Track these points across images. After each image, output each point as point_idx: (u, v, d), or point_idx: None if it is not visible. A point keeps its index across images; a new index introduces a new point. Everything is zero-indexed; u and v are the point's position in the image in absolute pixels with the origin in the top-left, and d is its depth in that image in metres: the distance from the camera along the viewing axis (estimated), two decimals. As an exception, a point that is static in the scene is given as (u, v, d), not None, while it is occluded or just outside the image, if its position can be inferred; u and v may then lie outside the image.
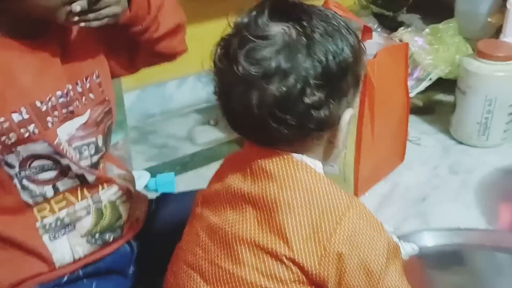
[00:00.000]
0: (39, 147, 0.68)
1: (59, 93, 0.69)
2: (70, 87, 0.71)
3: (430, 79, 1.38)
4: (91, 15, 0.65)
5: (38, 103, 0.67)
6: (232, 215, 0.57)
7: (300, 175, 0.56)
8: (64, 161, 0.70)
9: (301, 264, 0.53)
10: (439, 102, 1.59)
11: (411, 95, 1.29)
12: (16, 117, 0.65)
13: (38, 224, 0.71)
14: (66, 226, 0.73)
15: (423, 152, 1.29)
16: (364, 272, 0.54)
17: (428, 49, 1.39)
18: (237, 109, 0.55)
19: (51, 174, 0.70)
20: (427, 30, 1.45)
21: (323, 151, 0.59)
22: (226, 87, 0.55)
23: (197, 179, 1.21)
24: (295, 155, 0.57)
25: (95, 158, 0.75)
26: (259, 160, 0.57)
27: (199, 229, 0.61)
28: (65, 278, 0.73)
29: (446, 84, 1.42)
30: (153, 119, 1.52)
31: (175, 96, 1.59)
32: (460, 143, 1.31)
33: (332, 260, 0.53)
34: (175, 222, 0.73)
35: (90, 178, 0.74)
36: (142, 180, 1.18)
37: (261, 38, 0.53)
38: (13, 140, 0.66)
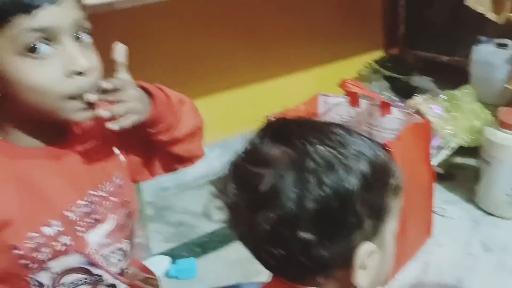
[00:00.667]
0: (72, 260, 0.65)
1: (82, 202, 0.67)
2: (93, 193, 0.68)
3: (451, 148, 1.35)
4: (116, 109, 0.62)
5: (66, 213, 0.64)
6: None
7: None
8: (96, 271, 0.67)
9: None
10: (459, 167, 1.56)
11: (432, 163, 1.26)
12: (47, 230, 0.62)
13: None
14: None
15: (450, 224, 1.24)
16: None
17: (446, 117, 1.37)
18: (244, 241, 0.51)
19: (85, 286, 0.67)
20: (443, 96, 1.44)
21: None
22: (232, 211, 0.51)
23: (217, 261, 1.16)
24: None
25: (123, 264, 0.72)
26: None
27: None
28: None
29: (465, 149, 1.40)
30: (167, 193, 1.49)
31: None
32: (488, 213, 1.27)
33: None
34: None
35: (122, 286, 0.71)
36: (162, 266, 1.14)
37: (259, 162, 0.47)
38: (45, 255, 0.62)
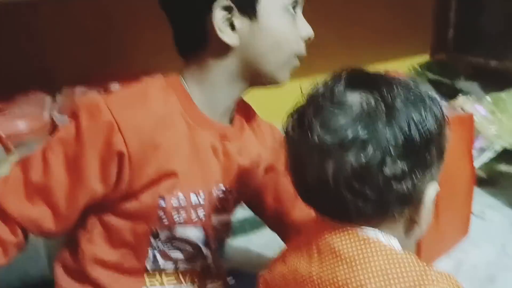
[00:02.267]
0: (194, 233, 0.68)
1: (224, 187, 0.70)
2: (235, 184, 0.72)
3: (495, 150, 1.31)
4: None
5: (213, 191, 0.68)
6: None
7: (373, 255, 0.51)
8: (206, 252, 0.71)
9: None
10: (503, 173, 1.50)
11: (475, 165, 1.22)
12: (194, 198, 0.66)
13: None
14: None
15: (488, 227, 1.20)
16: None
17: (491, 118, 1.33)
18: (310, 181, 0.52)
19: (185, 255, 0.70)
20: (488, 98, 1.40)
21: (403, 229, 0.54)
22: (299, 158, 0.53)
23: (247, 246, 1.17)
24: (368, 230, 0.52)
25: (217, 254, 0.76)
26: (327, 237, 0.53)
27: None
28: None
29: (509, 154, 1.35)
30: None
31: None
32: (530, 219, 1.22)
33: None
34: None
35: (213, 270, 0.75)
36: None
37: (338, 106, 0.50)
38: (180, 218, 0.66)
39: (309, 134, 0.50)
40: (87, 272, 0.67)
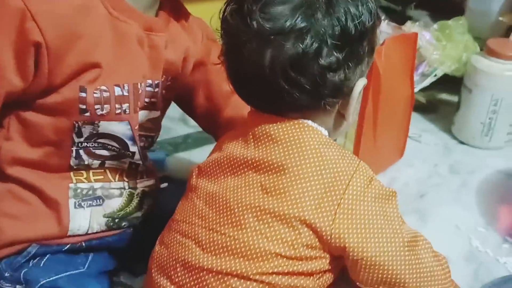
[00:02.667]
0: (120, 128, 0.66)
1: (152, 82, 0.69)
2: (163, 78, 0.70)
3: (435, 75, 1.34)
4: None
5: (139, 85, 0.66)
6: (234, 182, 0.55)
7: (308, 138, 0.53)
8: (133, 148, 0.69)
9: (314, 225, 0.50)
10: (442, 101, 1.55)
11: (415, 90, 1.25)
12: (118, 90, 0.64)
13: (71, 185, 0.68)
14: (96, 199, 0.70)
15: (423, 149, 1.25)
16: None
17: (436, 44, 1.34)
18: (247, 69, 0.52)
19: (110, 153, 0.69)
20: (435, 26, 1.41)
21: (332, 123, 0.56)
22: (237, 45, 0.52)
23: (189, 160, 1.17)
24: (302, 120, 0.54)
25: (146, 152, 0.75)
26: (262, 125, 0.54)
27: (195, 199, 0.58)
28: (67, 247, 0.71)
29: (451, 84, 1.39)
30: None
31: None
32: (462, 143, 1.27)
33: (345, 216, 0.51)
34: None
35: (141, 168, 0.73)
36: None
37: None
38: (104, 112, 0.63)
39: (248, 21, 0.50)
40: (6, 173, 0.65)
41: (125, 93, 0.64)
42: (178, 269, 0.54)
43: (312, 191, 0.51)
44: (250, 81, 0.53)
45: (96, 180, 0.70)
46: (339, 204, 0.51)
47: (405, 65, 1.08)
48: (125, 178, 0.72)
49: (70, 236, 0.70)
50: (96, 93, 0.62)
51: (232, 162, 0.56)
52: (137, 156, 0.71)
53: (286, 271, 0.51)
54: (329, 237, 0.51)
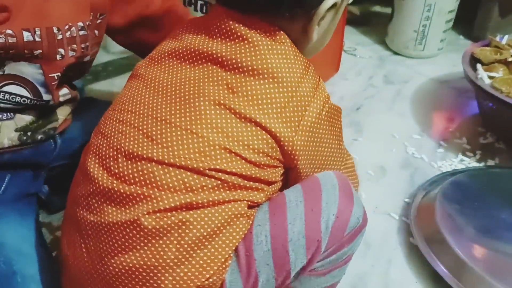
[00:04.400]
0: (31, 71, 0.59)
1: (80, 24, 0.61)
2: (91, 17, 0.63)
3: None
4: None
5: (55, 29, 0.59)
6: (195, 73, 0.50)
7: (280, 47, 0.50)
8: (47, 97, 0.62)
9: (276, 132, 0.48)
10: (376, 14, 1.52)
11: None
12: (26, 36, 0.57)
13: None
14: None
15: (358, 62, 1.22)
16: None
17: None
18: None
19: (19, 100, 0.61)
20: None
21: (296, 40, 0.52)
22: None
23: (110, 89, 1.07)
24: (276, 27, 0.51)
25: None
26: (231, 22, 0.50)
27: (143, 88, 0.52)
28: None
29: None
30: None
31: None
32: (396, 53, 1.25)
33: (306, 132, 0.50)
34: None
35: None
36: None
37: None
38: (8, 56, 0.57)
39: None
40: None
41: (37, 39, 0.57)
42: (120, 160, 0.48)
43: (277, 98, 0.49)
44: None
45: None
46: (303, 116, 0.49)
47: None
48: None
49: None
50: (0, 37, 0.55)
51: (193, 54, 0.51)
52: (52, 104, 0.64)
53: (243, 173, 0.47)
54: (289, 147, 0.49)
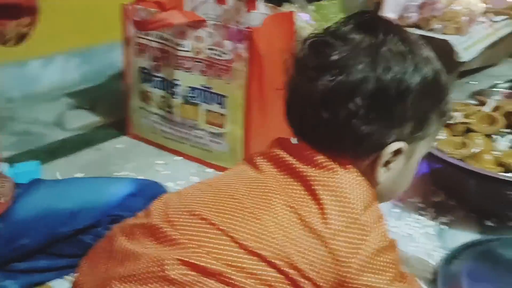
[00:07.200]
0: None
1: None
2: None
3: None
4: None
5: None
6: (272, 174, 0.53)
7: (350, 173, 0.51)
8: None
9: (334, 248, 0.48)
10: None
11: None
12: None
13: None
14: None
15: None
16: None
17: (314, 24, 1.37)
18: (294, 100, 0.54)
19: None
20: (312, 7, 1.44)
21: (365, 176, 0.52)
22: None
23: (68, 167, 1.05)
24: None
25: None
26: (309, 152, 0.52)
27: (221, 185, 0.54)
28: None
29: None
30: (13, 105, 1.32)
31: (40, 77, 1.40)
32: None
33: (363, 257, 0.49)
34: (44, 208, 0.69)
35: None
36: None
37: (337, 38, 0.51)
38: None
39: (308, 53, 0.52)
40: None
41: None
42: (182, 215, 0.52)
43: (339, 218, 0.49)
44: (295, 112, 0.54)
45: None
46: (364, 241, 0.49)
47: (286, 44, 1.07)
48: None
49: None
50: None
51: (277, 159, 0.54)
52: None
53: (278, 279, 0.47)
54: (345, 267, 0.48)
